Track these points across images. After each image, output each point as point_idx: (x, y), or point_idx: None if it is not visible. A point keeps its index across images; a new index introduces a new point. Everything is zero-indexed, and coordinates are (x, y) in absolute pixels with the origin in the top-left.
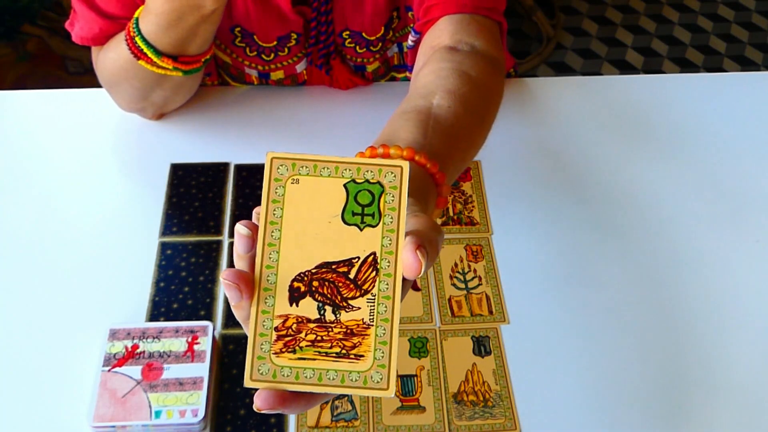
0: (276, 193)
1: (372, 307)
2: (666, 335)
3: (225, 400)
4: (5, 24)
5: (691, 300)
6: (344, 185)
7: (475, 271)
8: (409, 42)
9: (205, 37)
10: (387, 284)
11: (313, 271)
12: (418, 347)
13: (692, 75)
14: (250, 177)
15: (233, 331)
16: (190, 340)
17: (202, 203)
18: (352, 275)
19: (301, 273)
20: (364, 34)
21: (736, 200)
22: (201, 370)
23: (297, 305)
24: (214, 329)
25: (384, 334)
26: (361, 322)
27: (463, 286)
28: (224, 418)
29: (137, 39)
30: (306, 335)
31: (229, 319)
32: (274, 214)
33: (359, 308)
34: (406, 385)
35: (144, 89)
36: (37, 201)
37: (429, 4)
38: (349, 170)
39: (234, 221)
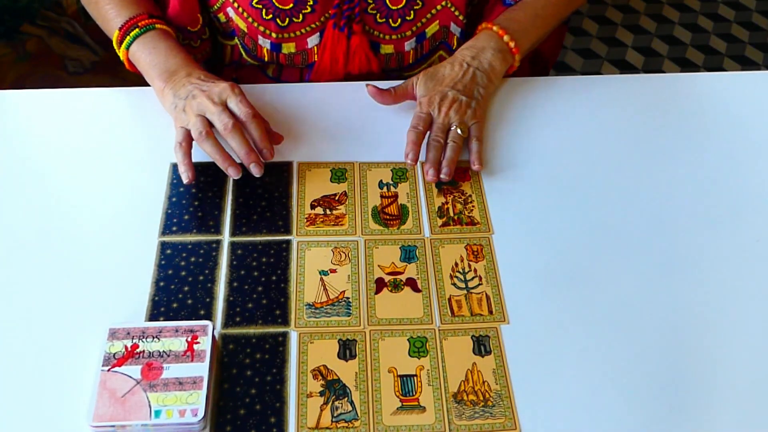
0: None
1: None
2: (666, 335)
3: (225, 399)
4: (5, 24)
5: (691, 299)
6: None
7: (475, 270)
8: None
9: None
10: None
11: None
12: (418, 347)
13: (692, 75)
14: (250, 176)
15: (233, 331)
16: (189, 339)
17: (202, 203)
18: None
19: None
20: (387, 1)
21: (736, 200)
22: (201, 369)
23: None
24: (213, 329)
25: None
26: None
27: (463, 285)
28: (224, 417)
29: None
30: None
31: (229, 319)
32: None
33: None
34: (406, 385)
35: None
36: (36, 201)
37: None
38: None
39: (234, 221)
